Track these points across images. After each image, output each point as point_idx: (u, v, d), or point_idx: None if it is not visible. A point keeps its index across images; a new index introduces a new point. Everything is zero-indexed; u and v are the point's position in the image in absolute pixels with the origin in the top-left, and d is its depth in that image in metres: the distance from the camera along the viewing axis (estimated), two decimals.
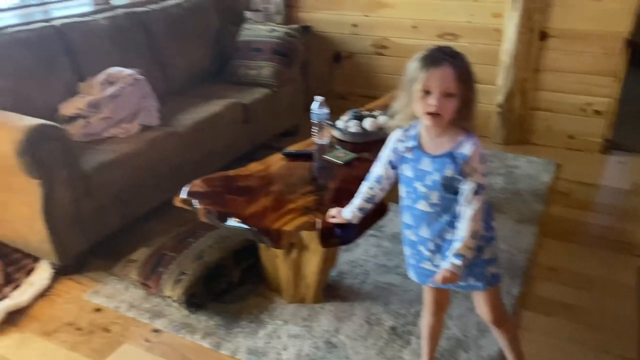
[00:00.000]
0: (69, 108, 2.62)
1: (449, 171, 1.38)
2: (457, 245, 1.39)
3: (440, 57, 1.32)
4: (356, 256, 2.42)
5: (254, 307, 2.13)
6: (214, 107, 3.06)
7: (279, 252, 2.03)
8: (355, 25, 3.92)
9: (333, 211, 1.74)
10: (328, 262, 2.10)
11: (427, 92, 1.32)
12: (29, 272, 2.32)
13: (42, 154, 2.10)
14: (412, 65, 1.36)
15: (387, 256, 2.43)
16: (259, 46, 3.46)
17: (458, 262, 1.38)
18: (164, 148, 2.68)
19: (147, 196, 2.64)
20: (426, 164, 1.41)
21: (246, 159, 3.25)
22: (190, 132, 2.84)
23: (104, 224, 2.43)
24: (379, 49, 3.91)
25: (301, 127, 3.80)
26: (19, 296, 2.17)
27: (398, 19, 3.76)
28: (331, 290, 2.20)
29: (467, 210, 1.38)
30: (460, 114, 1.35)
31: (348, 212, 1.69)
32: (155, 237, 2.45)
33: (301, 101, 3.79)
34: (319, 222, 1.84)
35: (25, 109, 2.35)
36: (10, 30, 2.66)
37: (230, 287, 2.20)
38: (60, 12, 3.09)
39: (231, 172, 2.23)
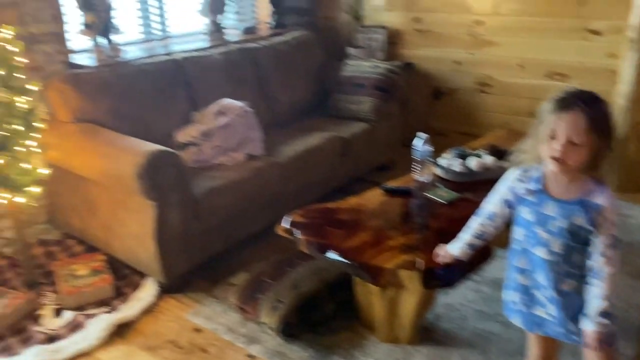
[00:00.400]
0: (183, 135, 2.80)
1: (578, 219, 1.31)
2: (602, 305, 1.31)
3: (574, 102, 1.26)
4: (453, 300, 2.34)
5: (346, 342, 2.12)
6: (315, 139, 3.13)
7: (375, 289, 2.01)
8: (458, 63, 3.88)
9: (440, 249, 1.70)
10: (425, 303, 2.05)
11: (553, 136, 1.28)
12: (136, 287, 2.46)
13: (159, 177, 2.25)
14: (545, 106, 1.32)
15: (486, 302, 2.33)
16: (361, 81, 3.52)
17: (607, 321, 1.31)
18: (267, 177, 2.78)
19: (249, 222, 2.74)
20: (551, 209, 1.35)
21: (342, 191, 3.29)
22: (292, 163, 2.92)
23: (207, 247, 2.55)
24: (482, 86, 3.83)
25: (397, 161, 3.79)
26: (127, 310, 2.31)
27: (504, 57, 3.68)
28: (426, 333, 2.14)
29: (606, 267, 1.30)
30: (590, 163, 1.28)
31: (455, 248, 1.65)
32: (254, 263, 2.52)
33: (399, 136, 3.79)
34: (420, 262, 1.81)
35: (144, 134, 2.54)
36: (137, 62, 2.91)
37: (323, 319, 2.20)
38: (179, 47, 3.33)
39: (331, 205, 2.26)
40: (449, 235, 1.75)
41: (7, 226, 2.67)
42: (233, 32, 3.76)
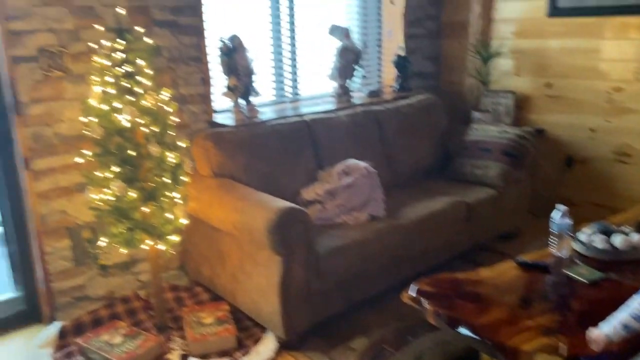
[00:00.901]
0: (309, 193, 2.89)
1: None
2: None
3: None
4: None
5: None
6: (438, 203, 3.07)
7: None
8: (593, 130, 3.66)
9: (591, 333, 1.55)
10: None
11: None
12: (256, 340, 2.50)
13: (288, 233, 2.31)
14: None
15: None
16: (488, 146, 3.43)
17: None
18: (388, 239, 2.75)
19: (369, 284, 2.71)
20: None
21: (465, 258, 3.18)
22: (414, 225, 2.87)
23: (327, 306, 2.54)
24: (621, 156, 3.57)
25: (523, 230, 3.59)
26: None
27: None
28: None
29: None
30: None
31: (608, 327, 1.49)
32: (374, 328, 2.47)
33: (526, 204, 3.61)
34: (563, 348, 1.66)
35: (274, 189, 2.66)
36: (270, 122, 3.09)
37: None
38: (308, 109, 3.48)
39: (460, 275, 2.17)
40: (592, 318, 1.60)
41: (145, 270, 2.88)
42: (359, 95, 3.87)
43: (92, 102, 2.30)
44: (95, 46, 2.35)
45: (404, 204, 3.04)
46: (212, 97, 3.06)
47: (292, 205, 2.38)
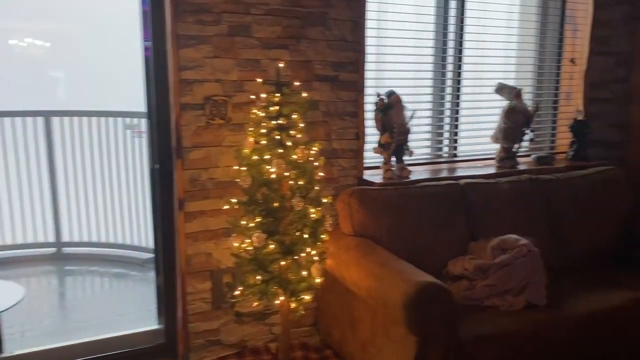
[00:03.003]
0: (456, 267, 2.60)
1: None
2: None
3: None
4: None
5: None
6: (616, 298, 2.57)
7: None
8: None
9: None
10: None
11: None
12: None
13: (427, 312, 2.06)
14: None
15: None
16: None
17: None
18: (549, 334, 2.34)
19: None
20: None
21: None
22: (583, 322, 2.42)
23: None
24: None
25: None
26: None
27: None
28: None
29: None
30: None
31: None
32: None
33: None
34: None
35: (416, 257, 2.45)
36: (420, 184, 2.88)
37: None
38: (464, 172, 3.20)
39: None
40: None
41: (279, 322, 2.81)
42: (524, 161, 3.50)
43: (245, 151, 2.33)
44: (254, 97, 2.39)
45: (571, 294, 2.60)
46: (364, 153, 2.97)
47: (435, 281, 2.14)
